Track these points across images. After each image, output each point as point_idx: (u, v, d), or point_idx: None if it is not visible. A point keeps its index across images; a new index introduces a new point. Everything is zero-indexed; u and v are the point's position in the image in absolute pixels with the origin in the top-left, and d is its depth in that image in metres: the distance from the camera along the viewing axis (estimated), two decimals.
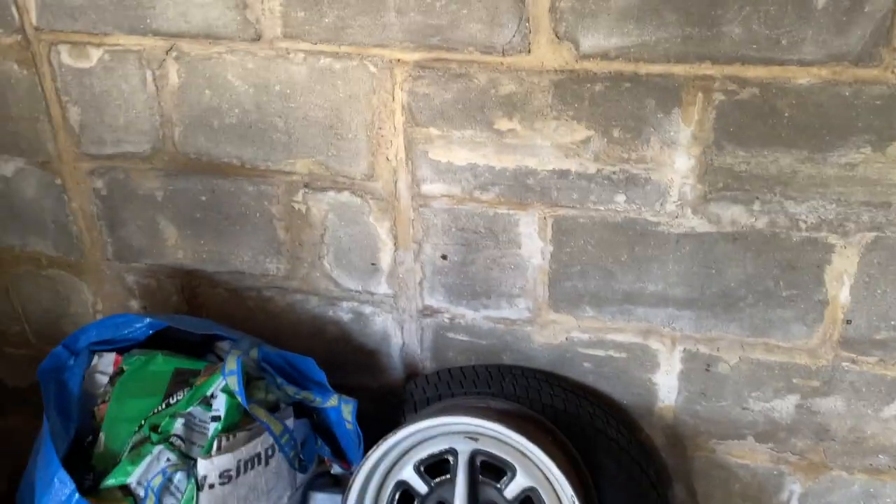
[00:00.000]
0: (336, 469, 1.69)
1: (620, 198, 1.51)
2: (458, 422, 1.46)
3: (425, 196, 1.63)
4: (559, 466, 1.39)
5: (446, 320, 1.76)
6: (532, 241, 1.60)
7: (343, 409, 1.62)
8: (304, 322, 1.87)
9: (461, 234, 1.64)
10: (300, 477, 1.64)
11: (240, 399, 1.50)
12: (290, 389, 1.65)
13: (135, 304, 1.98)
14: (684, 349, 1.61)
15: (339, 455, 1.71)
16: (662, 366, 1.64)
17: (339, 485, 1.71)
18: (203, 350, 1.75)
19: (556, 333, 1.68)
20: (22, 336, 2.12)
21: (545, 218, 1.57)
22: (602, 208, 1.53)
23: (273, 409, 1.61)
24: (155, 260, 1.91)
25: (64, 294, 2.02)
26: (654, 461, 1.72)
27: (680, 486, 1.76)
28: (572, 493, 1.39)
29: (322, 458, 1.70)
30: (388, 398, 1.82)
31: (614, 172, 1.49)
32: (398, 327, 1.81)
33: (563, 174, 1.52)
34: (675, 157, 1.44)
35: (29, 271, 2.02)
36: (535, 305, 1.67)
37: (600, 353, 1.67)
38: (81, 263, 1.97)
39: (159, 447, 1.47)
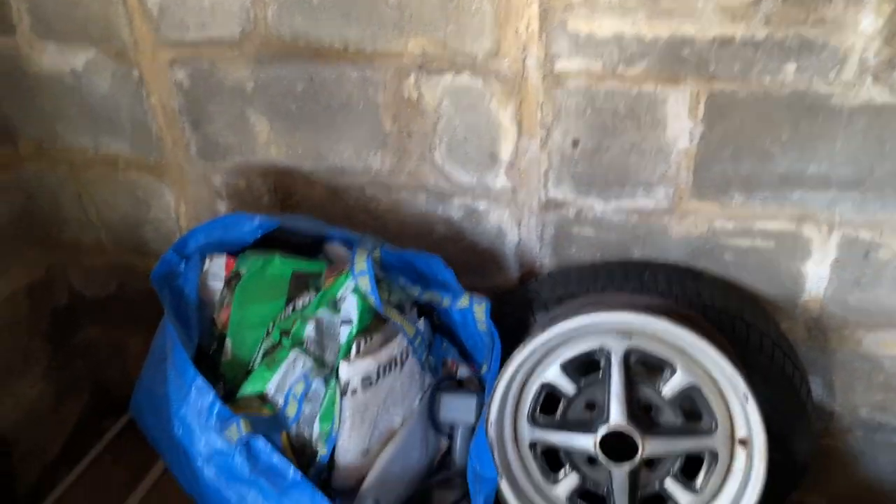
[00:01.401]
0: (462, 372, 1.60)
1: (790, 67, 1.35)
2: (614, 319, 1.36)
3: (559, 74, 1.47)
4: (731, 361, 1.30)
5: (571, 214, 1.63)
6: (679, 121, 1.45)
7: (475, 310, 1.51)
8: (410, 222, 1.75)
9: (597, 118, 1.49)
10: (428, 378, 1.55)
11: (372, 300, 1.39)
12: (415, 290, 1.54)
13: (222, 207, 1.85)
14: (842, 235, 1.49)
15: (464, 357, 1.62)
16: (814, 254, 1.52)
17: (464, 388, 1.63)
18: (312, 253, 1.63)
19: (696, 223, 1.56)
20: (98, 245, 2.00)
21: (698, 94, 1.42)
22: (767, 80, 1.37)
23: (398, 311, 1.50)
24: (244, 158, 1.76)
25: (143, 198, 1.89)
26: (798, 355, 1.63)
27: (817, 379, 1.68)
28: (745, 389, 1.30)
29: (446, 361, 1.61)
30: (504, 298, 1.71)
31: (787, 37, 1.33)
32: (515, 224, 1.68)
33: (726, 42, 1.35)
34: (860, 17, 1.28)
35: (104, 175, 1.87)
36: (675, 193, 1.54)
37: (745, 243, 1.55)
38: (162, 164, 1.82)
39: (294, 352, 1.37)
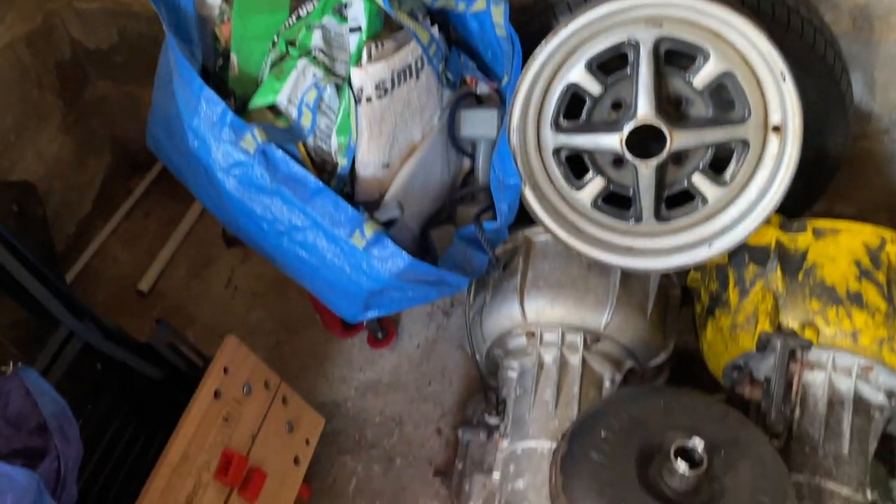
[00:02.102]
0: (482, 88, 1.54)
1: None
2: (644, 1, 1.25)
3: None
4: (768, 37, 1.21)
5: None
6: None
7: (493, 12, 1.41)
8: None
9: None
10: (447, 94, 1.50)
11: (381, 2, 1.29)
12: None
13: None
14: None
15: (484, 73, 1.54)
16: None
17: (484, 104, 1.57)
18: None
19: None
20: None
21: None
22: None
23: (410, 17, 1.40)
24: None
25: None
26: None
27: (858, 77, 1.58)
28: (783, 67, 1.22)
29: (464, 78, 1.54)
30: (524, 7, 1.59)
31: None
32: None
33: None
34: None
35: None
36: None
37: None
38: None
39: (303, 61, 1.31)
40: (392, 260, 1.30)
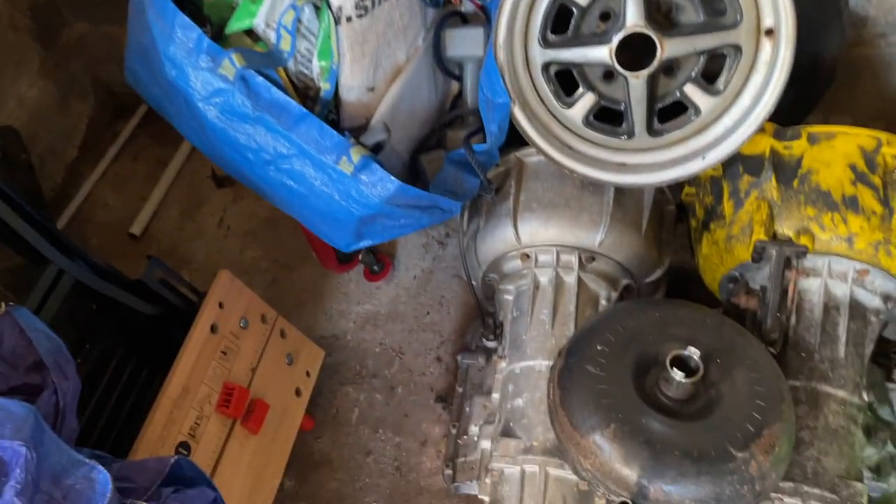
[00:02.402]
0: (466, 6, 1.50)
1: None
2: None
3: None
4: None
5: None
6: None
7: None
8: None
9: None
10: (430, 13, 1.46)
11: None
12: None
13: None
14: None
15: None
16: None
17: (470, 23, 1.53)
18: None
19: None
20: None
21: None
22: None
23: None
24: None
25: None
26: None
27: None
28: None
29: None
30: None
31: None
32: None
33: None
34: None
35: None
36: None
37: None
38: None
39: None
40: (381, 185, 1.29)
